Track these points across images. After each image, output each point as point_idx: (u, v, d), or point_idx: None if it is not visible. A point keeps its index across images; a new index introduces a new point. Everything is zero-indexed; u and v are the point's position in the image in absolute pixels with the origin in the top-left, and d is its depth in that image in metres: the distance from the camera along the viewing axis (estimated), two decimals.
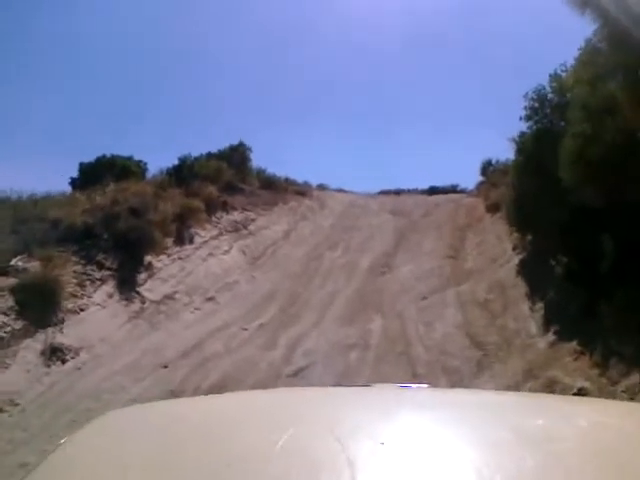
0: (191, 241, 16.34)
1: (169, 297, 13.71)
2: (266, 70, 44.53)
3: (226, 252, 17.17)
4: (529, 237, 14.71)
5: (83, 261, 13.03)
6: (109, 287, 12.86)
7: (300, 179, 28.44)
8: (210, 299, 14.38)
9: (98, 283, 12.71)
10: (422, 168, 44.36)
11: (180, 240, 15.97)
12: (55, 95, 40.40)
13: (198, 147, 21.86)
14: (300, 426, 1.40)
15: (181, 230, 16.21)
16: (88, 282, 12.50)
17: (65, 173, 22.23)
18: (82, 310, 11.76)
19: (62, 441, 1.45)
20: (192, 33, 44.44)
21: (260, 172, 24.59)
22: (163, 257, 14.92)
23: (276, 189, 24.52)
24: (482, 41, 44.44)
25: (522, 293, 12.58)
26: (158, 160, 25.90)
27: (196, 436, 1.40)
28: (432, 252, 18.26)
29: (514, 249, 15.35)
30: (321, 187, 30.89)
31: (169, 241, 15.58)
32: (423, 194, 32.86)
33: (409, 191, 34.58)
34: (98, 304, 12.19)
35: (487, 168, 25.10)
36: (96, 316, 11.89)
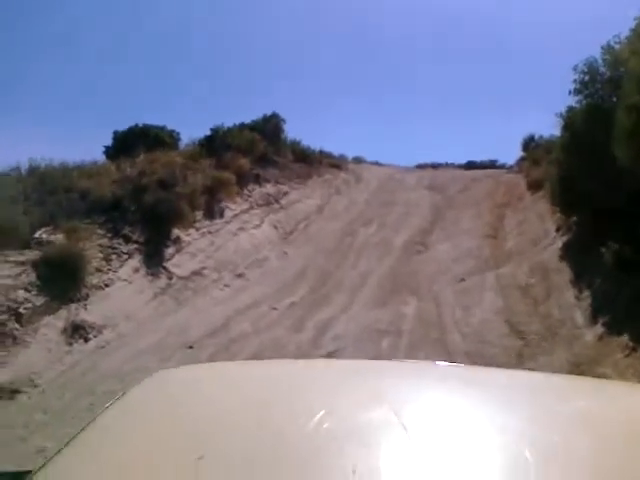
0: (221, 215, 15.79)
1: (197, 273, 13.22)
2: (302, 41, 43.48)
3: (257, 226, 16.59)
4: (574, 219, 13.84)
5: (110, 234, 12.57)
6: (135, 262, 12.39)
7: (336, 152, 27.67)
8: (240, 275, 13.86)
9: (125, 257, 12.25)
10: (460, 142, 43.11)
11: (210, 214, 15.42)
12: (91, 64, 40.01)
13: (232, 118, 21.20)
14: (349, 395, 1.42)
15: (211, 203, 15.65)
16: (114, 256, 12.05)
17: (101, 142, 21.74)
18: (107, 286, 11.32)
19: (113, 400, 1.47)
20: (227, 2, 43.51)
21: (294, 144, 23.86)
22: (192, 231, 14.40)
23: (310, 162, 23.80)
24: (523, 13, 42.64)
25: (567, 279, 11.76)
26: (192, 130, 25.18)
27: (246, 401, 1.42)
28: (470, 231, 17.45)
29: (557, 230, 14.47)
30: (357, 160, 30.09)
31: (198, 214, 15.05)
32: (460, 169, 31.88)
33: (447, 165, 33.64)
34: (124, 279, 11.74)
35: (529, 144, 24.00)
36: (121, 292, 11.44)
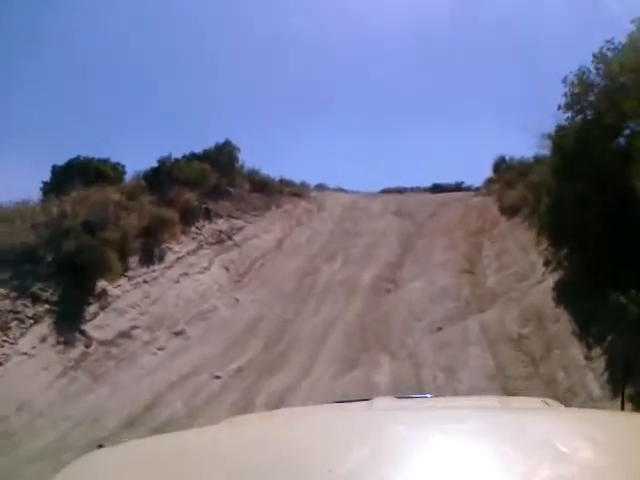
0: (161, 259, 13.09)
1: (124, 335, 10.49)
2: (259, 67, 40.91)
3: (205, 270, 13.91)
4: (565, 252, 11.47)
5: (14, 293, 9.83)
6: (43, 327, 9.65)
7: (297, 180, 25.15)
8: (179, 333, 11.18)
9: (29, 323, 9.50)
10: (424, 165, 40.76)
11: (147, 259, 12.72)
12: (30, 94, 36.41)
13: (184, 148, 18.70)
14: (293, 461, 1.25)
15: (149, 246, 12.96)
16: (15, 323, 9.29)
17: (39, 178, 18.87)
18: (0, 364, 8.55)
19: None
20: (178, 29, 40.70)
21: (252, 173, 21.27)
22: (122, 282, 11.69)
23: (269, 191, 21.22)
24: (487, 31, 40.86)
25: (567, 329, 9.34)
26: (140, 162, 22.28)
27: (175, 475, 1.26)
28: (444, 264, 14.99)
29: (546, 265, 12.07)
30: (320, 187, 27.56)
31: (132, 261, 12.36)
32: (426, 192, 29.60)
33: (412, 189, 31.28)
34: (24, 353, 8.98)
35: (499, 165, 21.72)
36: (19, 370, 8.69)
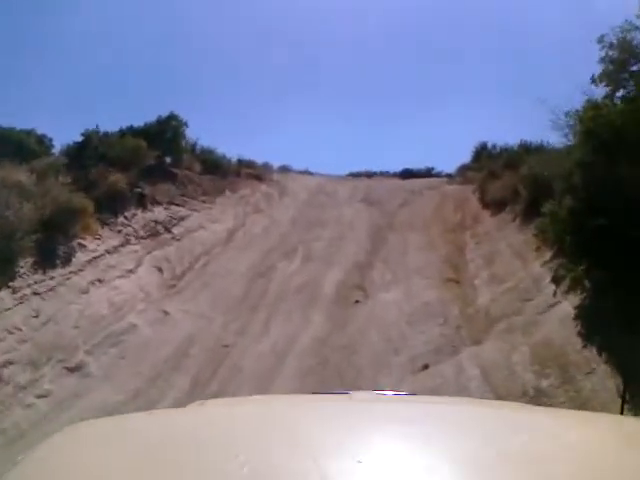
0: (67, 261, 9.62)
1: None
2: (215, 31, 36.72)
3: (129, 272, 10.50)
4: (584, 266, 8.36)
5: None
6: None
7: (259, 160, 21.72)
8: (74, 369, 7.79)
9: None
10: (394, 148, 37.34)
11: (45, 261, 9.24)
12: None
13: (124, 121, 15.09)
14: (271, 442, 1.18)
15: (50, 244, 9.47)
16: None
17: None
18: None
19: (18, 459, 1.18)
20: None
21: (205, 153, 17.77)
22: (4, 295, 8.20)
23: (224, 174, 17.80)
24: (459, 14, 37.55)
25: (608, 389, 6.24)
26: (71, 135, 17.64)
27: (151, 454, 1.15)
28: (423, 269, 11.82)
29: (555, 281, 8.92)
30: (284, 169, 24.23)
31: (24, 265, 8.86)
32: (396, 177, 26.45)
33: (381, 174, 28.12)
34: None
35: (480, 153, 18.57)
36: None
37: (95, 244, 10.45)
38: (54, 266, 9.26)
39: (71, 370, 7.70)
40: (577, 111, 7.75)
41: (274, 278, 12.08)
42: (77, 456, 1.21)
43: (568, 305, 8.20)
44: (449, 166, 25.29)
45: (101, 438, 1.30)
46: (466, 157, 22.09)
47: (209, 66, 37.56)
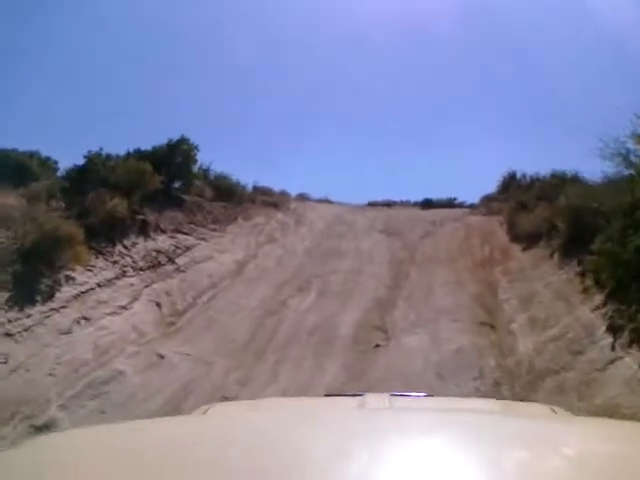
0: (50, 296, 8.32)
1: None
2: (249, 72, 36.05)
3: (122, 309, 9.16)
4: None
5: None
6: None
7: (277, 187, 20.49)
8: (44, 427, 6.39)
9: None
10: (415, 178, 35.79)
11: (25, 296, 7.94)
12: None
13: (134, 143, 13.97)
14: (261, 465, 1.04)
15: (32, 276, 8.19)
16: None
17: None
18: None
19: None
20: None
21: (219, 179, 16.57)
22: None
23: (238, 201, 16.57)
24: (482, 40, 36.27)
25: None
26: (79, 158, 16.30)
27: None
28: (451, 310, 10.35)
29: (613, 332, 7.39)
30: (302, 197, 23.04)
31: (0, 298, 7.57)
32: (416, 207, 25.12)
33: (401, 203, 26.81)
34: None
35: (509, 183, 17.13)
36: None
37: (85, 276, 9.18)
38: (33, 302, 7.97)
39: (39, 429, 6.32)
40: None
41: (285, 317, 10.70)
42: (47, 466, 1.08)
43: (632, 362, 6.69)
44: (471, 197, 23.77)
45: (73, 449, 1.18)
46: (489, 187, 20.69)
47: (227, 91, 36.61)
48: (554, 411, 2.01)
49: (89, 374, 7.45)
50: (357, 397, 1.94)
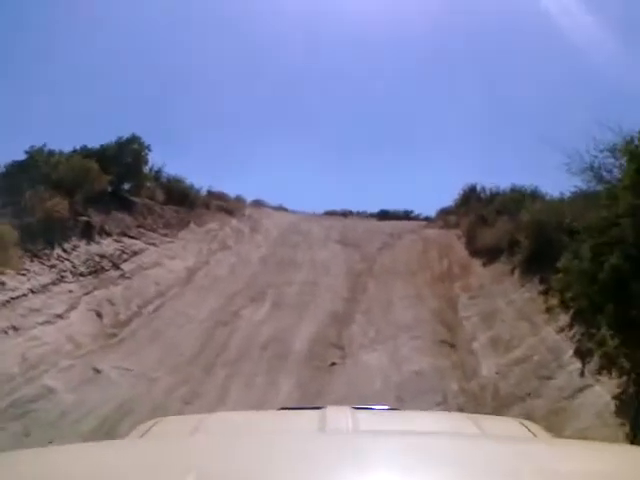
0: None
1: None
2: (200, 64, 34.78)
3: (57, 318, 8.31)
4: (617, 341, 6.48)
5: None
6: None
7: (232, 193, 19.72)
8: None
9: None
10: (372, 189, 35.42)
11: None
12: None
13: (81, 142, 12.84)
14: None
15: None
16: None
17: None
18: None
19: None
20: None
21: (172, 182, 15.75)
22: None
23: (191, 205, 15.78)
24: (443, 50, 36.28)
25: None
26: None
27: None
28: (411, 326, 9.87)
29: (581, 357, 7.01)
30: (257, 203, 22.34)
31: None
32: (373, 218, 24.78)
33: (358, 213, 26.43)
34: None
35: (469, 196, 16.88)
36: None
37: (17, 281, 8.29)
38: None
39: None
40: (628, 143, 5.99)
41: (237, 328, 10.03)
42: None
43: (603, 391, 6.30)
44: (427, 209, 23.57)
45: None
46: (446, 201, 20.50)
47: (181, 90, 35.43)
48: (524, 425, 1.94)
49: (14, 391, 6.60)
50: (316, 411, 1.77)
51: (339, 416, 1.74)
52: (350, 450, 1.19)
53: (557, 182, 18.05)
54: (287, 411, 2.27)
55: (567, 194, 10.67)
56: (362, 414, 1.85)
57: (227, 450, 1.19)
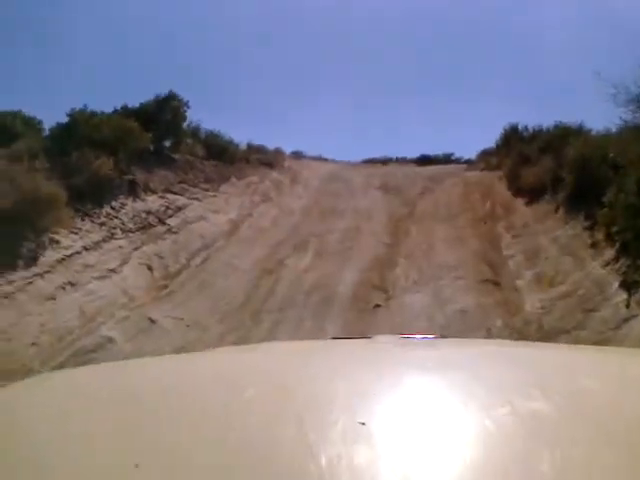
0: (32, 261, 7.78)
1: None
2: (234, 19, 34.46)
3: (111, 272, 8.64)
4: None
5: None
6: None
7: (271, 146, 19.74)
8: None
9: None
10: (411, 134, 35.03)
11: (4, 261, 7.39)
12: None
13: (120, 102, 13.03)
14: (255, 394, 0.95)
15: (12, 241, 7.63)
16: None
17: None
18: None
19: None
20: None
21: (211, 137, 15.85)
22: None
23: (231, 159, 15.88)
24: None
25: None
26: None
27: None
28: (454, 267, 9.87)
29: (627, 289, 6.91)
30: (296, 155, 22.33)
31: None
32: (413, 164, 24.45)
33: (397, 160, 26.14)
34: None
35: (510, 136, 16.41)
36: None
37: (71, 239, 8.63)
38: (14, 267, 7.45)
39: None
40: None
41: (282, 278, 10.21)
42: (48, 404, 1.01)
43: None
44: (468, 152, 23.14)
45: (77, 387, 1.11)
46: (487, 142, 20.07)
47: (217, 46, 35.35)
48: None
49: (75, 342, 6.96)
50: (366, 339, 1.85)
51: (389, 341, 1.81)
52: (391, 358, 1.25)
53: (604, 116, 17.31)
54: (338, 340, 2.39)
55: (613, 129, 10.31)
56: (411, 341, 1.91)
57: (293, 362, 1.23)
